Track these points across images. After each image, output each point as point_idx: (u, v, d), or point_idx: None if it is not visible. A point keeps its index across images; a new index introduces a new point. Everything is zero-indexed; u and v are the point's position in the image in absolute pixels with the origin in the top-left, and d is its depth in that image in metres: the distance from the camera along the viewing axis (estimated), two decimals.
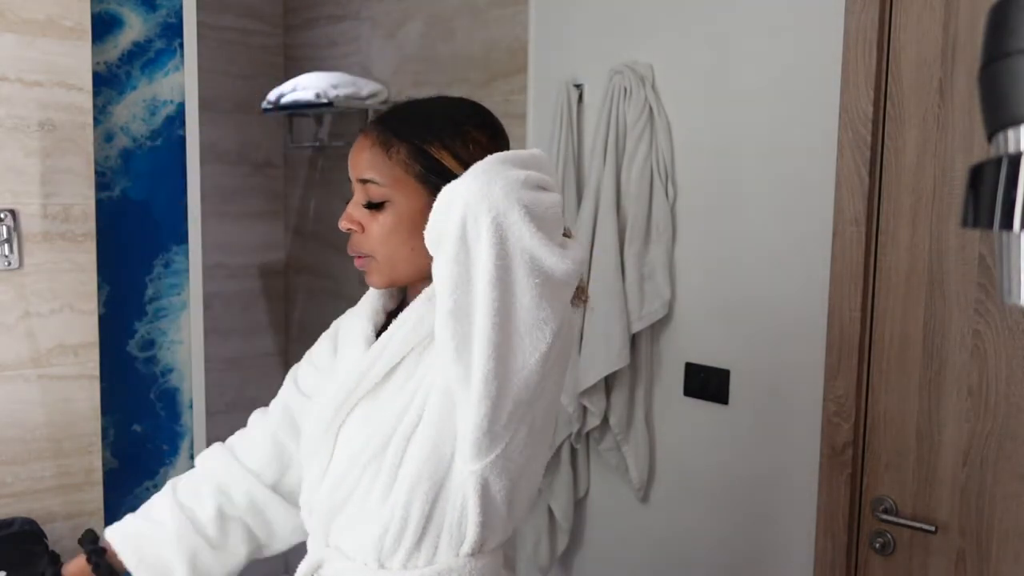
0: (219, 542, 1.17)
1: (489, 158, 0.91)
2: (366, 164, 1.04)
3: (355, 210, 1.06)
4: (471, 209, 0.85)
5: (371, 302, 1.15)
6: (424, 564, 1.02)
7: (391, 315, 1.14)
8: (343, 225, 1.06)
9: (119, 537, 1.15)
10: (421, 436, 1.00)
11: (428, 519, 1.00)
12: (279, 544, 1.22)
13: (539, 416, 1.00)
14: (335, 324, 1.23)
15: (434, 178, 1.01)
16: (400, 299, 1.17)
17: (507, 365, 0.90)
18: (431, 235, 0.93)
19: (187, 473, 1.23)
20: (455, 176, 0.97)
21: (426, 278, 1.04)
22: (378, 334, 1.11)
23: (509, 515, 1.04)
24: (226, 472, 1.20)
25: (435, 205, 0.92)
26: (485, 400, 0.91)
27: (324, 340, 1.23)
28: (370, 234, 1.05)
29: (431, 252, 0.95)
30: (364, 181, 1.04)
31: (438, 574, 1.02)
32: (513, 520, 1.07)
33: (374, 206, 1.04)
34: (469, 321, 0.89)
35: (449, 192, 0.89)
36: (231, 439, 1.24)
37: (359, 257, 1.07)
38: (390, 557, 1.02)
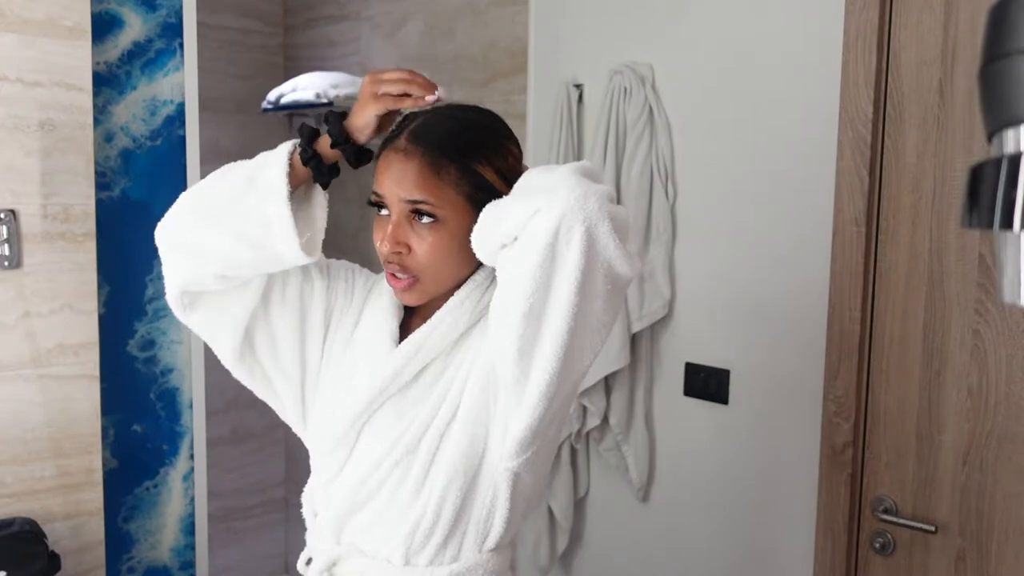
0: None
1: (573, 171, 0.92)
2: (416, 186, 1.01)
3: (398, 230, 1.02)
4: (567, 220, 0.87)
5: (395, 298, 1.12)
6: (450, 560, 1.04)
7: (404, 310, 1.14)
8: (388, 249, 1.02)
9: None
10: (458, 432, 1.02)
11: (459, 515, 1.02)
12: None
13: (566, 413, 1.03)
14: (375, 281, 1.19)
15: (481, 195, 1.02)
16: None
17: (569, 367, 0.93)
18: (492, 239, 0.95)
19: None
20: (498, 191, 1.02)
21: (454, 287, 1.07)
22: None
23: (527, 510, 1.07)
24: None
25: (510, 213, 0.92)
26: (543, 401, 0.93)
27: (361, 281, 1.19)
28: (417, 254, 1.02)
29: (485, 257, 0.97)
30: (415, 202, 1.01)
31: (464, 570, 1.04)
32: (525, 515, 1.09)
33: (426, 222, 1.01)
34: (540, 323, 0.90)
35: (536, 202, 0.90)
36: None
37: (400, 277, 1.04)
38: (417, 554, 1.04)
